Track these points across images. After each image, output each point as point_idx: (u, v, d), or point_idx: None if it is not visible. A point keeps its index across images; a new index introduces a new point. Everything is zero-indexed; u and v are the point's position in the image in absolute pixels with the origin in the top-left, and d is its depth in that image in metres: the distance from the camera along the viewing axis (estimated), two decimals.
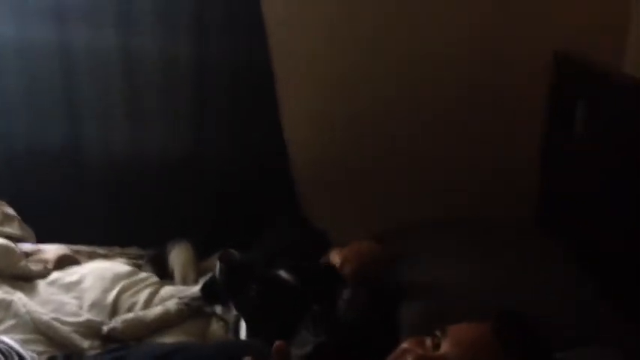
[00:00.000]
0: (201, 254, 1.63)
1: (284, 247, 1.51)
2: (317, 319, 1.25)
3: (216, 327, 1.38)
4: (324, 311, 1.27)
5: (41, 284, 1.45)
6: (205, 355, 1.16)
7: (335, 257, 1.41)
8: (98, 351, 1.26)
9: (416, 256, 1.41)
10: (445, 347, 0.98)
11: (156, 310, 1.36)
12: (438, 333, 1.01)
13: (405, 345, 1.02)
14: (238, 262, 1.27)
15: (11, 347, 1.14)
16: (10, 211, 1.63)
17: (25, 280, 1.46)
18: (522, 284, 1.24)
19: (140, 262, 1.65)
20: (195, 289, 1.42)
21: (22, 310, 1.32)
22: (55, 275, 1.48)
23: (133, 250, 1.71)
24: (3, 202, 1.65)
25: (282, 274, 1.30)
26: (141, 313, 1.35)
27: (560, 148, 1.73)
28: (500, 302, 1.11)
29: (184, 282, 1.55)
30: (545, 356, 1.01)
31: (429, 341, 1.01)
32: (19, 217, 1.64)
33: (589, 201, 1.53)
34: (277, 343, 0.81)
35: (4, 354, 1.11)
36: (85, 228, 1.76)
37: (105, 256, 1.64)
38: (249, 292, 1.27)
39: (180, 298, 1.39)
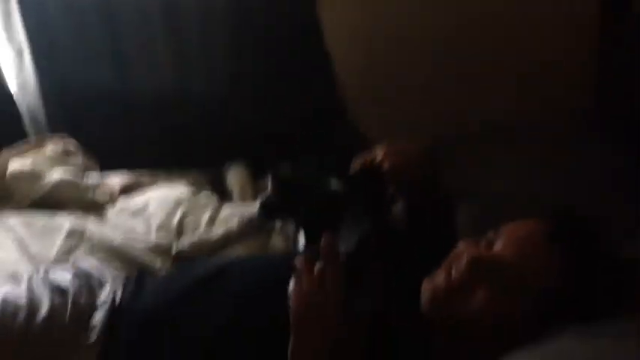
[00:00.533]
0: (257, 174, 1.68)
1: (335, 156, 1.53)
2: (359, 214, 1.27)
3: (276, 241, 1.44)
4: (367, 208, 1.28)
5: (109, 212, 1.53)
6: (263, 264, 1.22)
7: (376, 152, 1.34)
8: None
9: (469, 163, 1.41)
10: (498, 246, 1.00)
11: (219, 230, 1.42)
12: (491, 233, 1.03)
13: (459, 247, 1.05)
14: (289, 175, 1.30)
15: (89, 272, 1.21)
16: (72, 142, 1.70)
17: (93, 209, 1.55)
18: (579, 189, 1.23)
19: (198, 184, 1.72)
20: (254, 208, 1.47)
21: (96, 236, 1.40)
22: (121, 203, 1.56)
23: (191, 174, 1.77)
24: (65, 135, 1.72)
25: (333, 182, 1.29)
26: (205, 234, 1.42)
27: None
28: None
29: (243, 201, 1.61)
30: (603, 255, 1.01)
31: (483, 242, 1.03)
32: (82, 148, 1.71)
33: None
34: (325, 235, 0.85)
35: (82, 277, 1.18)
36: (141, 159, 1.81)
37: (165, 179, 1.71)
38: (303, 204, 1.29)
39: (241, 217, 1.45)
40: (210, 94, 1.85)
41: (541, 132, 1.57)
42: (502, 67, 1.82)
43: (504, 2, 1.80)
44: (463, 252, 1.02)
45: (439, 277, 1.03)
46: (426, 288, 1.04)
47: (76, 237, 1.40)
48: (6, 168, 1.56)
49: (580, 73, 1.84)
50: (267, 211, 1.42)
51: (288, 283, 1.07)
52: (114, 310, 1.11)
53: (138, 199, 1.57)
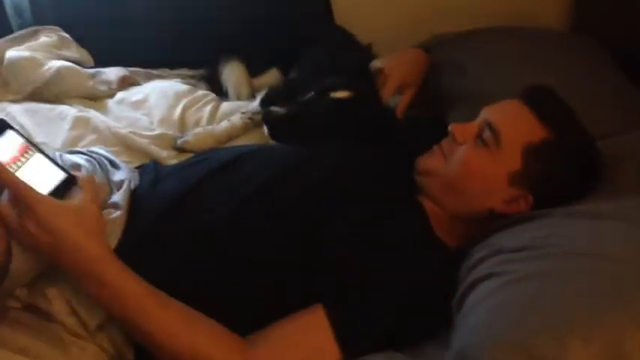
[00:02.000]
0: (251, 70, 1.70)
1: (330, 64, 1.57)
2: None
3: None
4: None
5: (110, 103, 1.55)
6: (277, 152, 1.26)
7: (379, 63, 1.44)
8: (175, 160, 1.40)
9: (463, 63, 1.46)
10: (480, 116, 1.13)
11: (223, 124, 1.47)
12: (478, 115, 1.15)
13: (449, 129, 1.16)
14: (283, 118, 1.33)
15: (102, 155, 1.23)
16: (66, 35, 1.68)
17: (93, 99, 1.56)
18: (570, 89, 1.32)
19: (192, 81, 1.74)
20: (255, 104, 1.52)
21: (101, 125, 1.42)
22: (120, 95, 1.57)
23: (183, 71, 1.79)
24: (58, 28, 1.69)
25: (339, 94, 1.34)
26: (209, 127, 1.46)
27: None
28: None
29: (238, 98, 1.65)
30: (575, 121, 1.12)
31: (473, 123, 1.15)
32: (75, 42, 1.69)
33: None
34: None
35: (95, 160, 1.20)
36: (132, 53, 1.80)
37: (159, 77, 1.73)
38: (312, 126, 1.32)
39: (242, 112, 1.50)
40: None
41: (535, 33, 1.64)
42: None
43: None
44: (451, 126, 1.15)
45: (433, 152, 1.17)
46: (421, 160, 1.18)
47: (81, 126, 1.42)
48: (2, 56, 1.54)
49: None
50: (268, 106, 1.48)
51: (298, 170, 1.15)
52: (132, 193, 1.14)
53: (137, 92, 1.58)
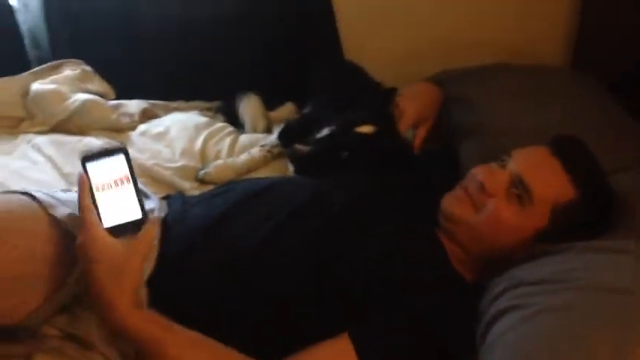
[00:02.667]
0: (267, 104, 1.76)
1: (346, 100, 1.62)
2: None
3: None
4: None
5: (133, 135, 1.59)
6: (297, 185, 1.30)
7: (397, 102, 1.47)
8: (197, 191, 1.43)
9: (471, 98, 1.51)
10: (511, 165, 1.15)
11: (243, 157, 1.51)
12: (504, 157, 1.17)
13: (473, 170, 1.19)
14: (307, 155, 1.38)
15: None
16: (89, 68, 1.73)
17: (116, 131, 1.61)
18: (577, 124, 1.36)
19: (209, 113, 1.79)
20: (273, 137, 1.57)
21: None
22: (142, 127, 1.62)
23: (198, 104, 1.83)
24: (80, 61, 1.74)
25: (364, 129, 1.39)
26: (230, 160, 1.51)
27: None
28: None
29: (255, 130, 1.70)
30: (600, 174, 1.16)
31: (495, 165, 1.18)
32: (97, 74, 1.74)
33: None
34: None
35: None
36: (150, 86, 1.82)
37: (177, 109, 1.78)
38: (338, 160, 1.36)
39: (261, 145, 1.55)
40: (217, 19, 1.86)
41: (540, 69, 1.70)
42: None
43: None
44: (478, 172, 1.17)
45: (457, 192, 1.19)
46: (446, 199, 1.20)
47: None
48: (27, 89, 1.59)
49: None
50: (288, 141, 1.53)
51: (323, 199, 1.19)
52: (163, 223, 1.17)
53: (157, 124, 1.63)
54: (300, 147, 1.37)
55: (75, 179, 1.28)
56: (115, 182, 0.97)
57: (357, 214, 1.18)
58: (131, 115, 1.64)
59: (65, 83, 1.62)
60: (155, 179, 1.44)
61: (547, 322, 0.92)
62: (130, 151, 1.46)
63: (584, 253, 1.04)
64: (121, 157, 0.97)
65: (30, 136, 1.54)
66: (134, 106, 1.68)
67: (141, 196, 0.99)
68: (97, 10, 1.87)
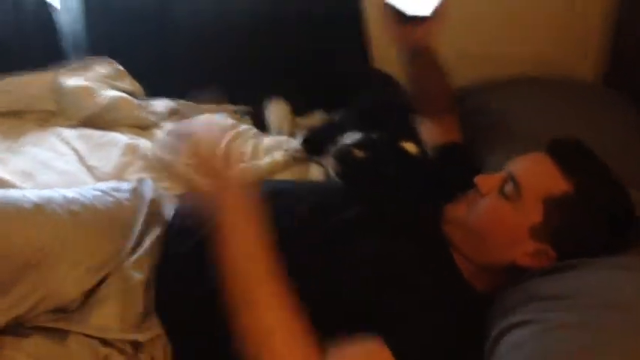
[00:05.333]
0: (296, 110, 1.78)
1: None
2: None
3: (315, 171, 1.55)
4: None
5: (158, 133, 1.62)
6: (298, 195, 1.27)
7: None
8: None
9: (499, 110, 1.52)
10: (506, 168, 1.13)
11: (266, 160, 1.52)
12: (504, 167, 1.14)
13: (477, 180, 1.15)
14: (362, 160, 1.38)
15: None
16: (120, 67, 1.77)
17: (142, 129, 1.64)
18: (605, 141, 1.30)
19: (236, 116, 1.81)
20: (296, 142, 1.58)
21: (149, 152, 1.50)
22: (168, 126, 1.64)
23: (228, 107, 1.85)
24: (112, 60, 1.78)
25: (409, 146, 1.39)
26: (253, 162, 1.52)
27: None
28: None
29: (279, 134, 1.71)
30: (602, 174, 1.10)
31: (497, 174, 1.14)
32: (128, 73, 1.78)
33: None
34: None
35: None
36: (182, 87, 1.84)
37: (207, 111, 1.79)
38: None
39: (285, 150, 1.55)
40: (253, 23, 1.87)
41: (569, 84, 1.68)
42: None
43: None
44: (477, 177, 1.15)
45: (458, 201, 1.18)
46: (447, 208, 1.19)
47: (130, 153, 1.50)
48: (59, 84, 1.63)
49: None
50: (312, 147, 1.54)
51: (323, 212, 1.18)
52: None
53: (184, 123, 1.65)
54: (357, 151, 1.36)
55: (100, 172, 1.35)
56: None
57: (370, 223, 1.17)
58: (159, 114, 1.67)
59: (95, 80, 1.66)
60: (174, 175, 1.44)
61: (561, 339, 0.89)
62: (153, 147, 1.53)
63: (599, 270, 1.00)
64: None
65: (59, 129, 1.57)
66: (162, 105, 1.70)
67: None
68: (134, 11, 1.91)
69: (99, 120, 1.60)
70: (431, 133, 1.45)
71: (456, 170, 1.37)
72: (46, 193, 1.12)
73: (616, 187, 1.10)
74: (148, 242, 1.17)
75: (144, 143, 1.54)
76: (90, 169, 1.44)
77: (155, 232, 1.20)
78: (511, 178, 1.09)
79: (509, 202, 1.08)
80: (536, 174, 1.09)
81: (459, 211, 1.16)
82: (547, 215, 1.06)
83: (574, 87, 1.70)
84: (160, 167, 1.44)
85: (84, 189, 1.19)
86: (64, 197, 1.12)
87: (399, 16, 1.25)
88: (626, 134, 1.44)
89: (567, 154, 1.10)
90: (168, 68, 1.91)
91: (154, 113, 1.67)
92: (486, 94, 1.57)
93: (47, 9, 1.89)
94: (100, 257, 1.10)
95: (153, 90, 1.81)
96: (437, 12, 1.23)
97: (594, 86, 1.85)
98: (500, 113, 1.51)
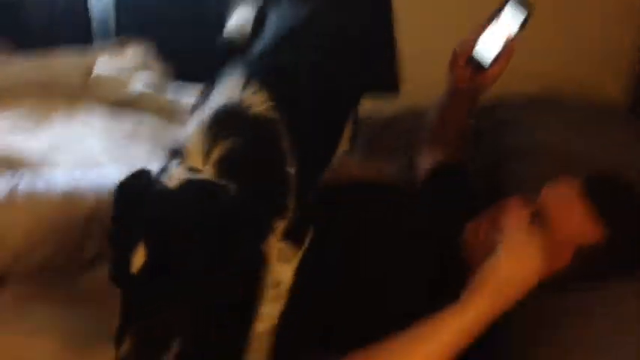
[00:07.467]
0: None
1: None
2: None
3: None
4: None
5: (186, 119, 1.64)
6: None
7: None
8: None
9: (524, 124, 1.53)
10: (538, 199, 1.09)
11: None
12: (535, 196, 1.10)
13: (508, 201, 1.11)
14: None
15: None
16: (150, 54, 1.80)
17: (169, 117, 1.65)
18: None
19: None
20: None
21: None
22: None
23: None
24: (144, 43, 1.80)
25: None
26: None
27: None
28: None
29: None
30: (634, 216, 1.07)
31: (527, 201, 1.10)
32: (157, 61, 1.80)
33: None
34: None
35: None
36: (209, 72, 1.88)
37: None
38: None
39: None
40: None
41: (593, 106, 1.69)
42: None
43: None
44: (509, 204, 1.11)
45: (484, 222, 1.14)
46: (471, 227, 1.16)
47: (155, 140, 1.52)
48: (92, 67, 1.65)
49: None
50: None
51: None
52: None
53: None
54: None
55: (117, 154, 1.36)
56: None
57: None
58: (186, 104, 1.67)
59: (126, 68, 1.68)
60: None
61: None
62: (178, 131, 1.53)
63: None
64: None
65: (86, 110, 1.60)
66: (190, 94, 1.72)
67: None
68: None
69: (126, 105, 1.63)
70: (434, 153, 1.43)
71: (449, 188, 1.36)
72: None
73: None
74: None
75: (169, 132, 1.55)
76: (108, 150, 1.47)
77: None
78: (542, 214, 1.06)
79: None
80: (569, 218, 1.06)
81: (480, 232, 1.13)
82: (572, 262, 1.05)
83: (597, 109, 1.69)
84: None
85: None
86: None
87: (470, 61, 1.26)
88: None
89: (603, 196, 1.06)
90: (198, 55, 1.92)
91: (181, 104, 1.68)
92: (517, 110, 1.58)
93: None
94: None
95: (184, 74, 1.82)
96: (500, 61, 1.26)
97: (617, 111, 1.83)
98: (529, 130, 1.52)
